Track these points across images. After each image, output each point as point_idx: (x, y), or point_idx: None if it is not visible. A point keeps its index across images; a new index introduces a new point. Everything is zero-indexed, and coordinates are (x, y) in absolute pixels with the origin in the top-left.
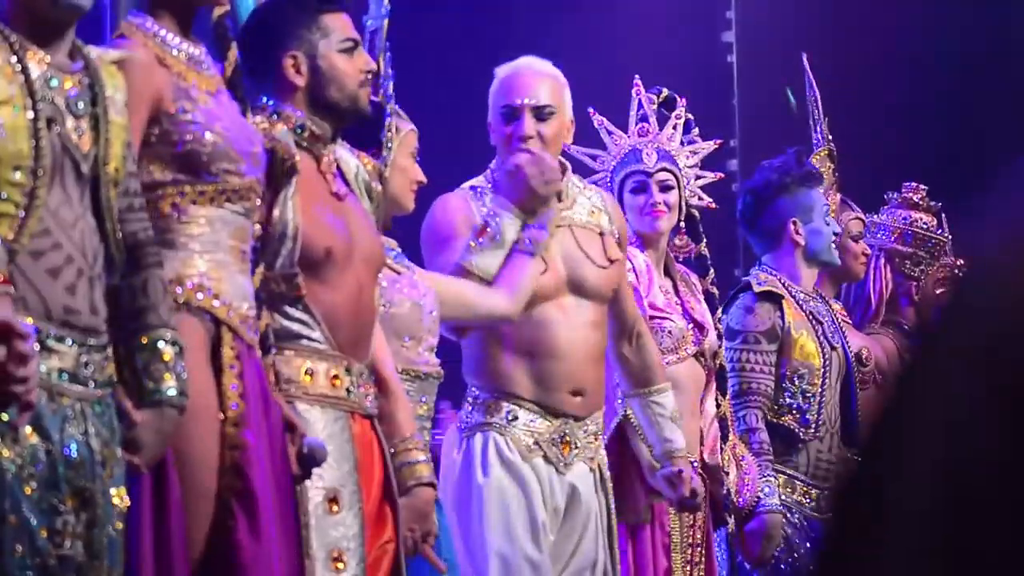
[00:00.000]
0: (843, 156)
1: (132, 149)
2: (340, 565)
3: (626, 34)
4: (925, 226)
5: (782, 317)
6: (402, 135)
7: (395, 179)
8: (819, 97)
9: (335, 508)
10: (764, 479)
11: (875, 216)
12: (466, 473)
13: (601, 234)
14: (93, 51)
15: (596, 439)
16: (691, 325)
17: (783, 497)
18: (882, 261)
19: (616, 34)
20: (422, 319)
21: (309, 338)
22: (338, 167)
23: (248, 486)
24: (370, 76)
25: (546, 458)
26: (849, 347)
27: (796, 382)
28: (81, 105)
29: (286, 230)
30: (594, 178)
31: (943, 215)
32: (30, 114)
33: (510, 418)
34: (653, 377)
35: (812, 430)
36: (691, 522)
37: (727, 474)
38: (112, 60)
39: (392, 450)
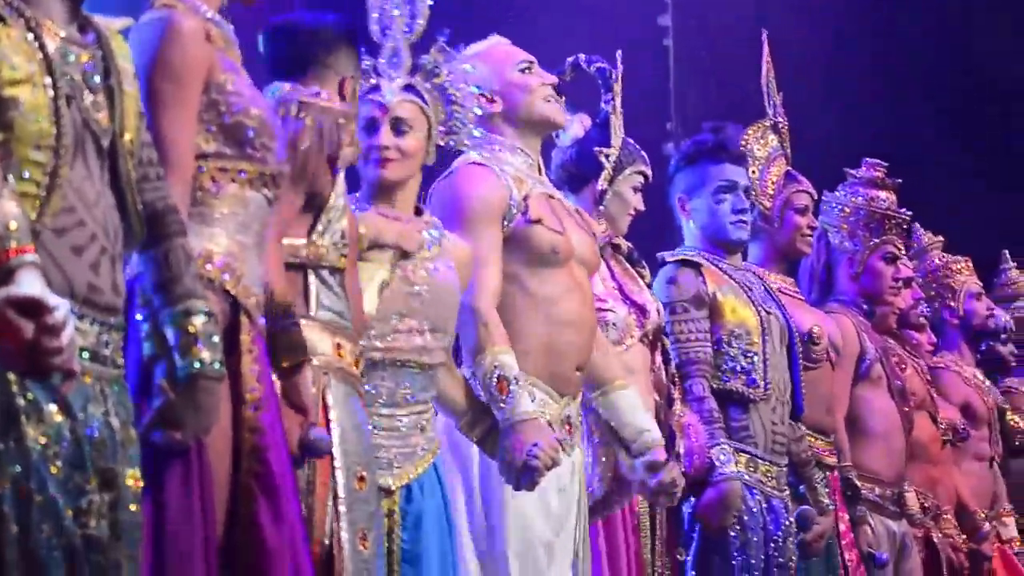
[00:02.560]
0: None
1: (144, 120)
2: (365, 544)
3: (561, 16)
4: (885, 204)
5: (704, 283)
6: None
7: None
8: (772, 73)
9: (363, 486)
10: (719, 447)
11: (835, 193)
12: (484, 457)
13: (576, 209)
14: (102, 20)
15: (580, 422)
16: (632, 310)
17: (746, 477)
18: (826, 239)
19: (551, 15)
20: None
21: (341, 314)
22: None
23: (267, 469)
24: None
25: (558, 440)
26: (790, 318)
27: (735, 344)
28: (97, 79)
29: None
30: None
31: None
32: (50, 92)
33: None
34: (618, 371)
35: (761, 390)
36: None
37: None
38: (118, 29)
39: None
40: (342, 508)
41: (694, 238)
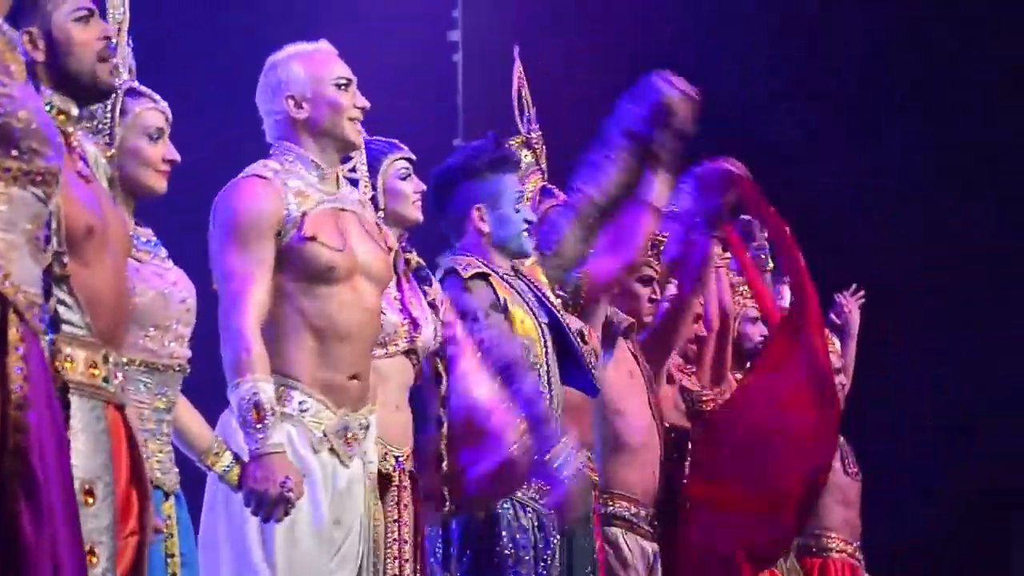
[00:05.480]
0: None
1: None
2: (93, 559)
3: (350, 30)
4: None
5: (495, 293)
6: (132, 115)
7: (126, 162)
8: (526, 88)
9: (90, 500)
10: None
11: None
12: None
13: (376, 223)
14: None
15: (367, 438)
16: (407, 320)
17: (519, 494)
18: None
19: (339, 28)
20: (168, 308)
21: (70, 322)
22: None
23: (29, 469)
24: (108, 45)
25: (332, 450)
26: (568, 324)
27: (526, 355)
28: None
29: None
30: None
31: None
32: None
33: (302, 408)
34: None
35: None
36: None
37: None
38: None
39: None
40: None
41: (480, 247)
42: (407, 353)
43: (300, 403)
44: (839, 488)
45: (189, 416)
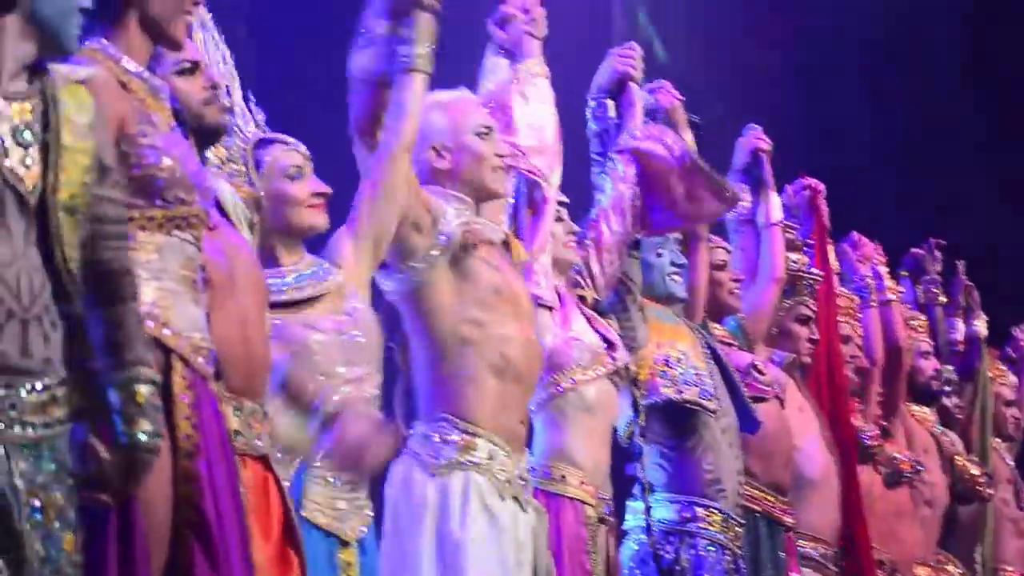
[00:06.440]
0: None
1: (100, 174)
2: None
3: None
4: (796, 266)
5: None
6: (266, 165)
7: (277, 208)
8: None
9: None
10: None
11: None
12: (444, 516)
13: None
14: (59, 69)
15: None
16: (603, 342)
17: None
18: None
19: None
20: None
21: None
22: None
23: (202, 518)
24: (215, 93)
25: (515, 498)
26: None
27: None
28: (28, 134)
29: None
30: None
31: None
32: None
33: (488, 457)
34: None
35: None
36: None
37: None
38: (79, 79)
39: None
40: None
41: None
42: (609, 377)
43: (488, 452)
44: (1013, 520)
45: None
